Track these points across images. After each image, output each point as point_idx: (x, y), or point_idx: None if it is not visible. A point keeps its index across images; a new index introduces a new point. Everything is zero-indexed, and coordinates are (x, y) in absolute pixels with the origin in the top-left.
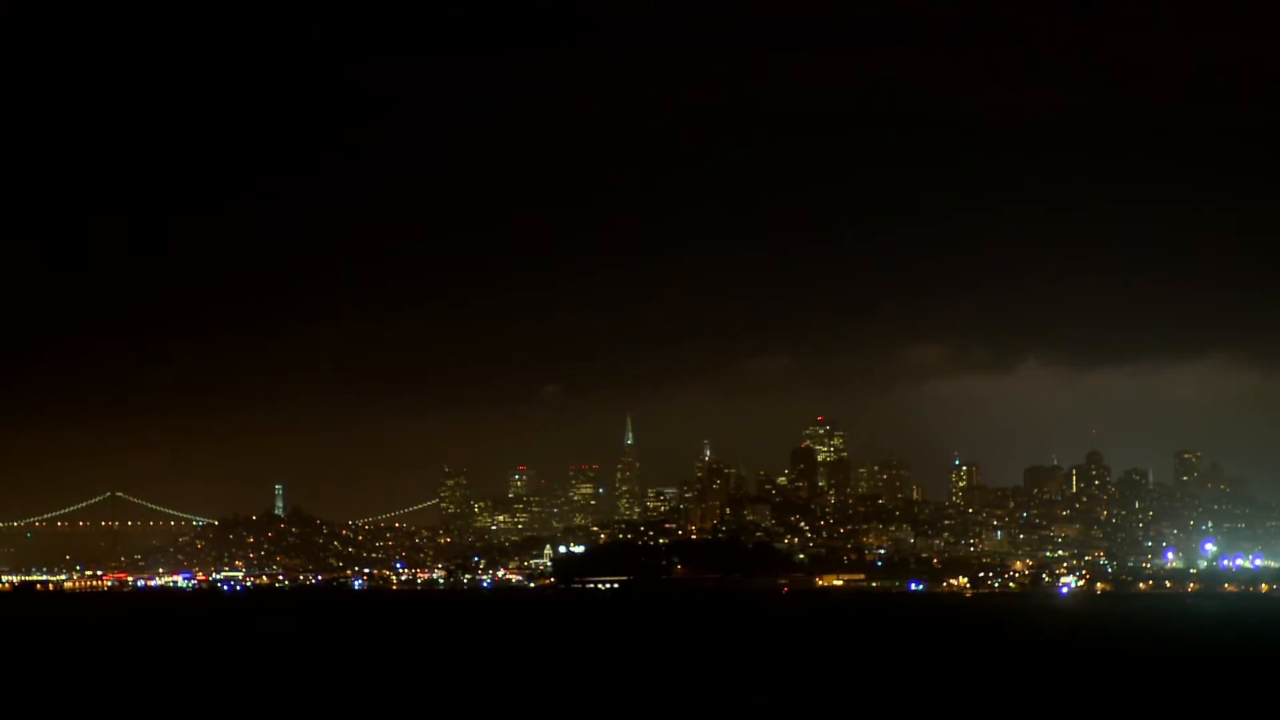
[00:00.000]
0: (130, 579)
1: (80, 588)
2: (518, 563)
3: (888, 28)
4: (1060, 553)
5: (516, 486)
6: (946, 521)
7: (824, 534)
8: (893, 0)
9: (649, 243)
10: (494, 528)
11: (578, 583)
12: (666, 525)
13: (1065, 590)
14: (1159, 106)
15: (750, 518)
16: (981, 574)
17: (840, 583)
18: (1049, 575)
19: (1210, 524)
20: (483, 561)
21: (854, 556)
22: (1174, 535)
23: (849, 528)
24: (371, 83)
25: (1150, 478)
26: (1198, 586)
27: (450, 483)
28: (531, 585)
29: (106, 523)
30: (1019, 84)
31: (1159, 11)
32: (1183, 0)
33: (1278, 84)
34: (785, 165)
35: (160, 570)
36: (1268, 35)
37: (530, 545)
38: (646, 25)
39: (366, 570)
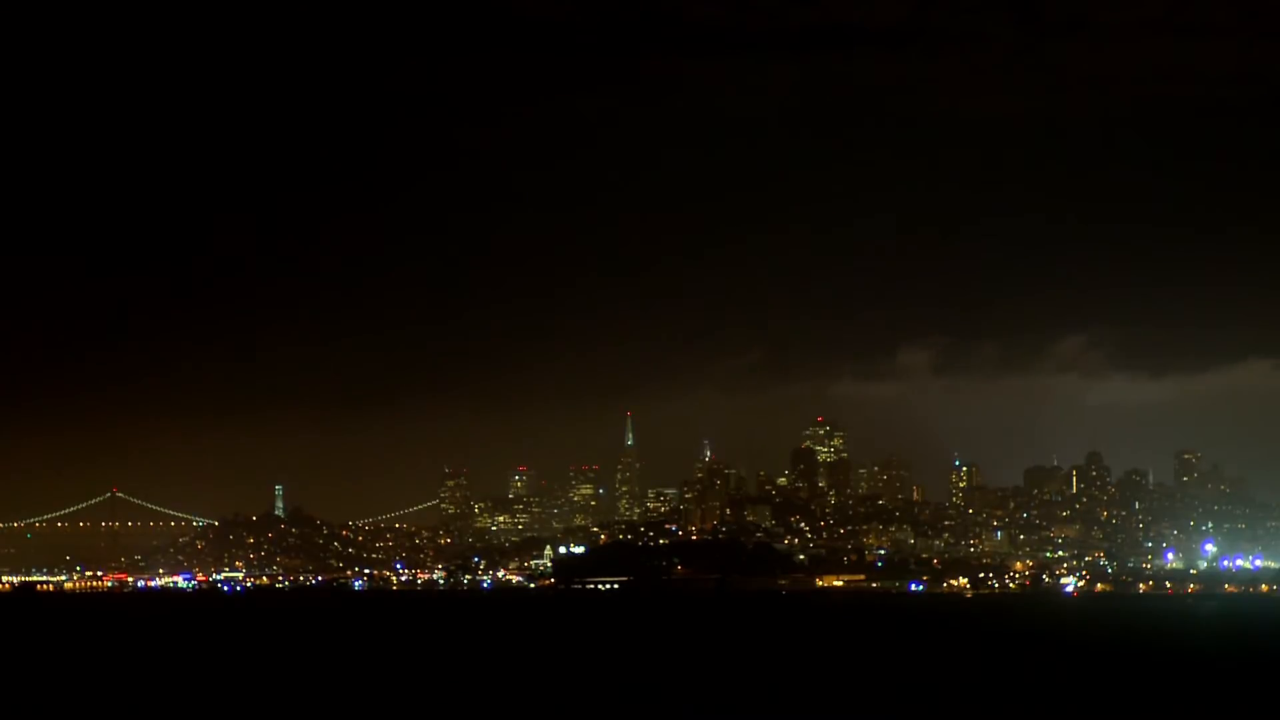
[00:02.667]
0: (130, 579)
1: (80, 588)
2: (518, 563)
3: (829, 34)
4: (1060, 553)
5: (516, 487)
6: (947, 522)
7: (824, 534)
8: (834, 7)
9: (648, 243)
10: (494, 528)
11: (578, 583)
12: (666, 526)
13: (1068, 590)
14: (1104, 111)
15: (750, 518)
16: (982, 574)
17: (840, 583)
18: (1049, 576)
19: (1210, 524)
20: (483, 562)
21: (854, 557)
22: (1174, 536)
23: (849, 528)
24: (369, 87)
25: (1150, 478)
26: (1198, 587)
27: (450, 483)
28: (531, 586)
29: (106, 523)
30: (960, 89)
31: (1098, 17)
32: (1122, 6)
33: (1217, 88)
34: (766, 167)
35: (160, 571)
36: (1207, 40)
37: (530, 546)
38: (599, 33)
39: (366, 571)
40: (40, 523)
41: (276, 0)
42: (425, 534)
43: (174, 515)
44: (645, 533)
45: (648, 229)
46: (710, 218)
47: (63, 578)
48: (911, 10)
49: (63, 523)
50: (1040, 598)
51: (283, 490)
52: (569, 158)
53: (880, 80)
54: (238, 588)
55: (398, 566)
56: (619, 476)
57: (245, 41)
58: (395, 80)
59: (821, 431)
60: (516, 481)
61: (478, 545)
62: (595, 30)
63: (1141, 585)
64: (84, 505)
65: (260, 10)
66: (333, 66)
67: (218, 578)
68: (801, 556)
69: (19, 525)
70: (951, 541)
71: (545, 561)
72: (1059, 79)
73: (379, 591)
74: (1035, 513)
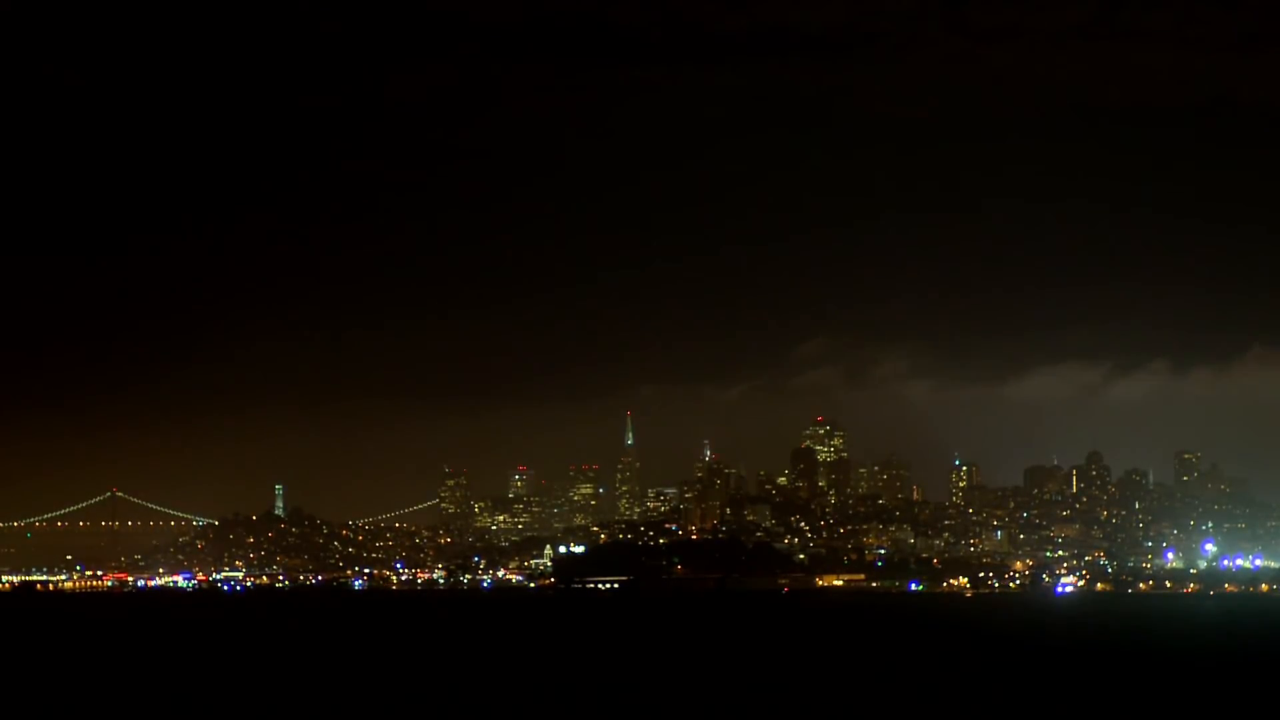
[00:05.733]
0: (130, 579)
1: (80, 588)
2: (518, 563)
3: (768, 39)
4: (1060, 553)
5: (516, 486)
6: (946, 522)
7: (824, 534)
8: (773, 12)
9: (647, 244)
10: (494, 528)
11: (578, 583)
12: (666, 525)
13: (1066, 589)
14: (1042, 114)
15: (750, 518)
16: (981, 574)
17: (840, 583)
18: (1049, 575)
19: (1210, 524)
20: (483, 562)
21: (854, 556)
22: (1174, 535)
23: (849, 528)
24: (371, 89)
25: (1150, 478)
26: (1197, 587)
27: (450, 483)
28: (531, 585)
29: (106, 523)
30: (897, 94)
31: (1030, 23)
32: (1053, 12)
33: (1149, 91)
34: (751, 169)
35: (160, 570)
36: (1139, 44)
37: (530, 545)
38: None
39: (366, 570)
40: (40, 523)
41: (262, 7)
42: (425, 534)
43: (174, 515)
44: (645, 532)
45: (647, 229)
46: (709, 219)
47: (63, 577)
48: (845, 17)
49: (63, 523)
50: (1033, 598)
51: (283, 490)
52: (558, 160)
53: (821, 85)
54: (238, 587)
55: (398, 566)
56: (619, 476)
57: (242, 44)
58: (392, 80)
59: (821, 431)
60: (516, 481)
61: (478, 545)
62: (545, 38)
63: (1142, 585)
64: (84, 505)
65: (249, 14)
66: (327, 67)
67: (218, 578)
68: (801, 556)
69: (19, 525)
70: (951, 541)
71: (545, 561)
72: (994, 83)
73: (379, 591)
74: (1035, 513)
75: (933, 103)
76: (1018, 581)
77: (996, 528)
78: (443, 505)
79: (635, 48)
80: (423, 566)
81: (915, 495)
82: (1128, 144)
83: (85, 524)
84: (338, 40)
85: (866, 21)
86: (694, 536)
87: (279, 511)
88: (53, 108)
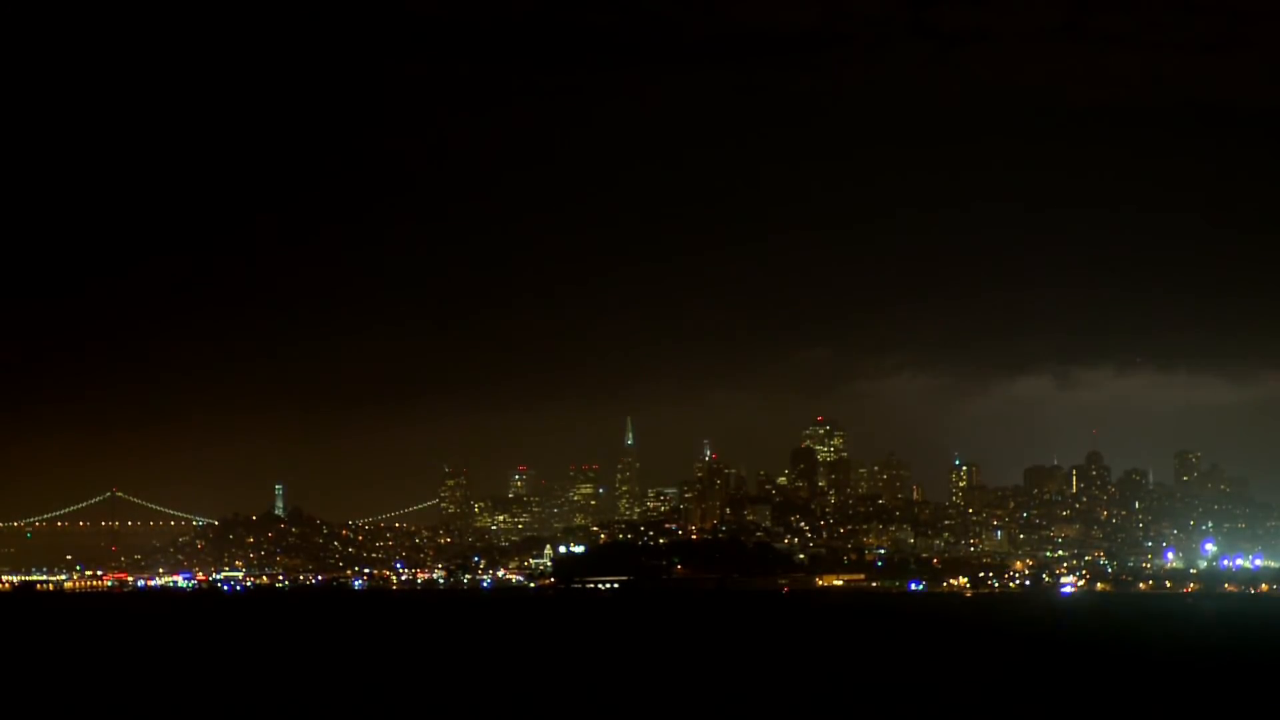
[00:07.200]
0: (130, 579)
1: (80, 588)
2: (518, 563)
3: (742, 42)
4: (1060, 553)
5: (516, 486)
6: (946, 521)
7: (824, 534)
8: (745, 16)
9: (648, 244)
10: (494, 528)
11: (578, 583)
12: (666, 525)
13: (1068, 590)
14: (1016, 114)
15: (750, 518)
16: (981, 574)
17: (840, 583)
18: (1049, 575)
19: (1210, 524)
20: (483, 561)
21: (854, 556)
22: (1174, 535)
23: (849, 528)
24: (368, 91)
25: (1150, 478)
26: (1197, 586)
27: (450, 483)
28: (531, 585)
29: (106, 523)
30: (873, 97)
31: (999, 26)
32: (1023, 16)
33: (1119, 90)
34: (746, 170)
35: (160, 570)
36: (1108, 46)
37: (530, 545)
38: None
39: (366, 570)
40: (40, 522)
41: (256, 8)
42: (425, 534)
43: (174, 515)
44: (645, 532)
45: (646, 230)
46: (707, 219)
47: (63, 577)
48: (816, 20)
49: (63, 523)
50: (1038, 598)
51: (283, 490)
52: (549, 162)
53: (795, 88)
54: (238, 587)
55: (398, 566)
56: (619, 476)
57: (236, 45)
58: (385, 82)
59: (821, 431)
60: (516, 481)
61: (478, 545)
62: (528, 40)
63: (1141, 584)
64: (84, 505)
65: (245, 15)
66: (320, 69)
67: (217, 577)
68: (801, 556)
69: (19, 525)
70: (951, 541)
71: (545, 561)
72: (966, 85)
73: (379, 591)
74: (1035, 513)
75: (904, 104)
76: (1018, 581)
77: (996, 528)
78: (443, 505)
79: (617, 49)
80: (423, 566)
81: (915, 495)
82: (1102, 144)
83: (85, 524)
84: (332, 41)
85: (838, 24)
86: (694, 536)
87: (279, 511)
88: (52, 110)
